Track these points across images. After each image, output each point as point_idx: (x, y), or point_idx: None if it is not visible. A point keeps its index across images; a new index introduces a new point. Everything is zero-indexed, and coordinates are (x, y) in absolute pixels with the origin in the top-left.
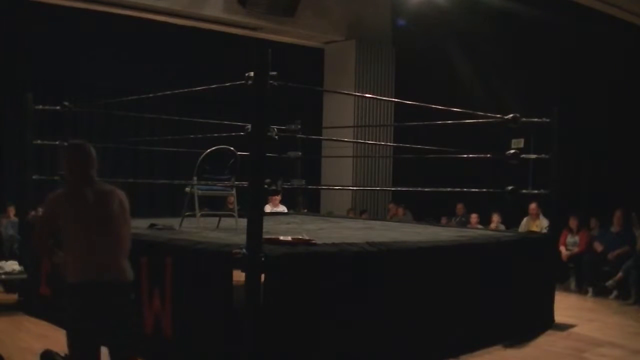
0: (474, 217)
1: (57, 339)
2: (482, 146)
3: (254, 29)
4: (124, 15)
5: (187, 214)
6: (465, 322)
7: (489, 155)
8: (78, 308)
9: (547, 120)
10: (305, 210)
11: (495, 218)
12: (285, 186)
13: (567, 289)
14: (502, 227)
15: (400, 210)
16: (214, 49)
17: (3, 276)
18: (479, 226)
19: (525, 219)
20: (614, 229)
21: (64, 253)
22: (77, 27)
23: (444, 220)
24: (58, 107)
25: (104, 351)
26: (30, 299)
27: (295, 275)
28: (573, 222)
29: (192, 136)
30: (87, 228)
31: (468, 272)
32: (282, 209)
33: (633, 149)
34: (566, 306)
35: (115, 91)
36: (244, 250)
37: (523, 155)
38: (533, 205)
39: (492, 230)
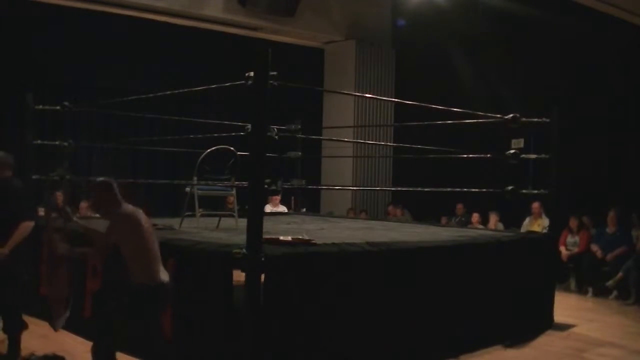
0: (475, 217)
1: (57, 339)
2: (482, 146)
3: (254, 29)
4: (124, 15)
5: (187, 214)
6: (465, 322)
7: (489, 155)
8: (140, 305)
9: (547, 120)
10: (304, 210)
11: (493, 217)
12: (285, 186)
13: (567, 289)
14: (501, 225)
15: (399, 211)
16: (214, 49)
17: None
18: (480, 226)
19: (527, 218)
20: (609, 229)
21: (129, 262)
22: (77, 27)
23: (444, 220)
24: (58, 107)
25: None
26: (31, 299)
27: (295, 275)
28: (573, 222)
29: (192, 136)
30: (150, 239)
31: (468, 272)
32: (282, 209)
33: (632, 149)
34: (566, 306)
35: (115, 91)
36: (244, 250)
37: (523, 155)
38: (536, 204)
39: (492, 230)
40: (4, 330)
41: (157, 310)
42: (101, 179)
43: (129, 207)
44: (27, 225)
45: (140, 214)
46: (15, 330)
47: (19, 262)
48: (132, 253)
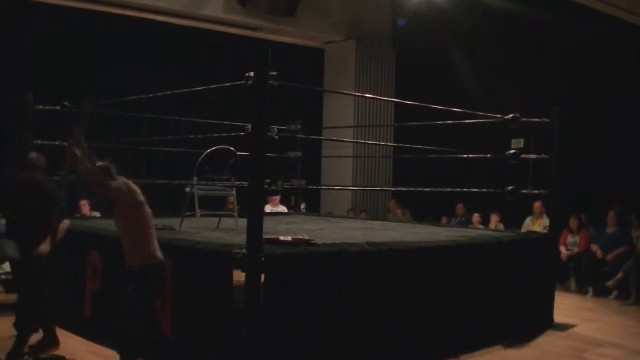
0: (476, 217)
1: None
2: (482, 146)
3: (254, 29)
4: (124, 15)
5: (187, 214)
6: (465, 322)
7: (489, 155)
8: (161, 281)
9: (547, 120)
10: (304, 207)
11: (494, 218)
12: (285, 186)
13: (567, 289)
14: (502, 226)
15: (400, 211)
16: (214, 49)
17: (3, 276)
18: (481, 226)
19: (528, 218)
20: (609, 229)
21: (127, 241)
22: (78, 27)
23: (444, 220)
24: (58, 107)
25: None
26: None
27: (295, 275)
28: (573, 222)
29: (192, 136)
30: (147, 216)
31: (468, 272)
32: (282, 209)
33: (632, 149)
34: (566, 306)
35: (115, 91)
36: (244, 250)
37: (523, 155)
38: (537, 204)
39: (493, 230)
40: (15, 326)
41: (160, 289)
42: (100, 163)
43: (125, 180)
44: (65, 226)
45: (137, 187)
46: (26, 330)
47: (49, 262)
48: (129, 228)
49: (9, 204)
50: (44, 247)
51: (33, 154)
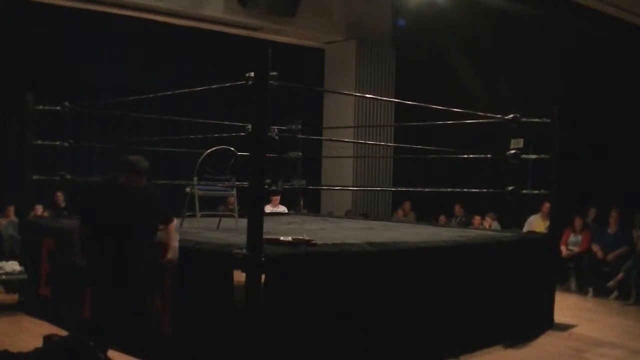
0: (477, 219)
1: None
2: (482, 146)
3: (254, 29)
4: (124, 15)
5: (187, 214)
6: (465, 322)
7: (489, 155)
8: None
9: (547, 120)
10: (303, 204)
11: (489, 218)
12: (286, 186)
13: (567, 289)
14: (496, 224)
15: (400, 211)
16: (214, 49)
17: (3, 276)
18: (481, 227)
19: (533, 216)
20: (611, 229)
21: None
22: (77, 27)
23: (442, 219)
24: (58, 107)
25: None
26: (31, 299)
27: (295, 275)
28: (578, 222)
29: (192, 136)
30: None
31: (468, 272)
32: (282, 209)
33: (632, 149)
34: (566, 306)
35: (115, 91)
36: (245, 251)
37: (523, 156)
38: (547, 205)
39: (489, 229)
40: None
41: None
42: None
43: None
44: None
45: None
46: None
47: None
48: None
49: (98, 204)
50: (172, 253)
51: (136, 157)
